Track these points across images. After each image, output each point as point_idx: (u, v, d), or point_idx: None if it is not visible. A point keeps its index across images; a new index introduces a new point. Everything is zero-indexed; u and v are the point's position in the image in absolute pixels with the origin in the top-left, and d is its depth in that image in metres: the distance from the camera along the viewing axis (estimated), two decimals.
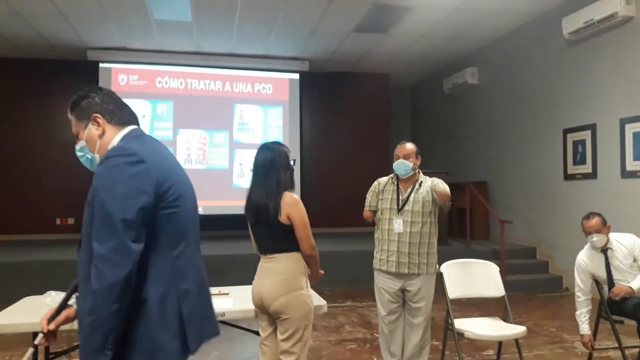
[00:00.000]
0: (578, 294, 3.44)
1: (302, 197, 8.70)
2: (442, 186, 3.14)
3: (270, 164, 2.47)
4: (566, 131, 6.38)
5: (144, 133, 1.67)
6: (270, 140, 2.67)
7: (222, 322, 2.87)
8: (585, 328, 3.40)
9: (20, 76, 8.40)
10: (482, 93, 8.29)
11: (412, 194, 3.18)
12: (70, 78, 8.43)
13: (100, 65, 8.18)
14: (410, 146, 3.28)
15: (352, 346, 4.21)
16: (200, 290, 1.62)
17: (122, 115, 1.65)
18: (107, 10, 6.42)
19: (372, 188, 3.37)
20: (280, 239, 2.43)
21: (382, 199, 3.26)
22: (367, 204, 3.35)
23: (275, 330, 2.48)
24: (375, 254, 3.29)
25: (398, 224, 3.12)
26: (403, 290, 3.15)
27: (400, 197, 3.19)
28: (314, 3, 6.28)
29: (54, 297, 2.70)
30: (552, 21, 6.45)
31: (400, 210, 3.15)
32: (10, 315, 2.53)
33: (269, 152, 2.52)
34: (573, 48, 6.23)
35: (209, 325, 1.67)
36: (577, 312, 3.45)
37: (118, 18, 6.74)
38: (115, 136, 1.62)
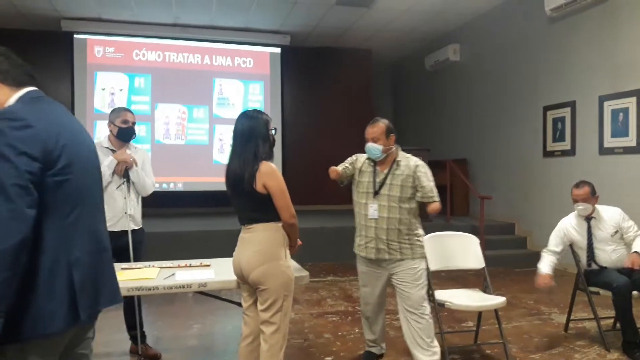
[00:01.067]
0: (544, 253, 3.54)
1: (283, 173, 8.64)
2: (433, 204, 2.99)
3: (248, 133, 2.40)
4: (546, 108, 6.42)
5: (42, 96, 1.61)
6: (251, 108, 2.58)
7: (204, 293, 2.85)
8: (544, 267, 3.49)
9: None
10: (464, 70, 8.28)
11: (389, 177, 2.99)
12: (43, 49, 8.16)
13: (75, 36, 7.93)
14: (378, 127, 3.02)
15: (333, 319, 4.22)
16: (95, 258, 1.60)
17: (17, 75, 1.58)
18: None
19: (350, 159, 3.18)
20: (258, 209, 2.39)
21: (359, 182, 3.08)
22: (341, 165, 3.15)
23: (256, 301, 2.45)
24: (355, 238, 3.16)
25: (373, 210, 2.96)
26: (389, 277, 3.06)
27: (377, 180, 3.01)
28: None
29: None
30: None
31: (376, 194, 2.98)
32: None
33: (248, 120, 2.44)
34: (554, 25, 6.23)
35: (106, 292, 1.64)
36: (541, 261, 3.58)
37: None
38: (10, 98, 1.55)
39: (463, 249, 3.42)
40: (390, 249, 2.96)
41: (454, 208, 7.51)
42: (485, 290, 3.36)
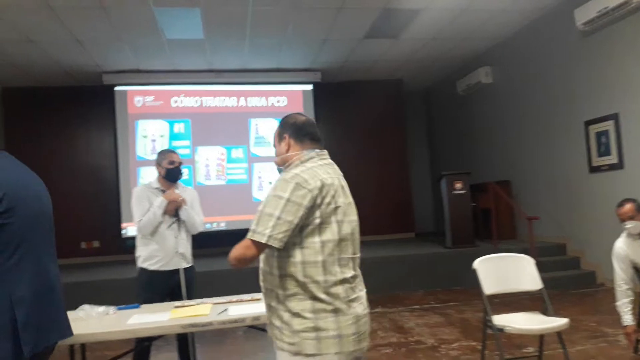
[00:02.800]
0: (619, 282, 3.33)
1: None
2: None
3: None
4: (587, 123, 6.26)
5: None
6: None
7: (257, 327, 2.83)
8: (628, 319, 3.29)
9: (38, 104, 8.54)
10: (498, 92, 8.21)
11: None
12: (87, 103, 8.63)
13: (116, 88, 8.28)
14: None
15: (386, 351, 4.12)
16: (40, 296, 1.71)
17: None
18: (120, 32, 6.52)
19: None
20: None
21: None
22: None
23: None
24: None
25: None
26: None
27: None
28: (322, 13, 6.31)
29: (87, 310, 2.69)
30: (563, 14, 6.39)
31: None
32: None
33: None
34: (588, 39, 6.14)
35: (53, 329, 1.76)
36: (618, 303, 3.34)
37: (131, 40, 6.83)
38: None
39: (517, 271, 3.31)
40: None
41: (499, 232, 7.31)
42: (545, 312, 3.23)
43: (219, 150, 8.51)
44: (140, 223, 3.20)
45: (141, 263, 3.27)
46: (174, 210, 3.26)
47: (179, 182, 3.43)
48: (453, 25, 6.97)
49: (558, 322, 3.02)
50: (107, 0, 5.58)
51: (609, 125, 5.94)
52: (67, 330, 1.84)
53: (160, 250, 3.23)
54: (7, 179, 1.72)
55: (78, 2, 5.55)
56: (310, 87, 8.95)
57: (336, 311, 1.69)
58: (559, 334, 3.10)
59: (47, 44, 6.72)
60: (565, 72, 6.61)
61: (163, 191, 3.30)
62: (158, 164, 3.35)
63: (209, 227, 7.96)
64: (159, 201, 3.21)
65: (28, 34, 6.32)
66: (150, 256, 3.24)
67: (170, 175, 3.33)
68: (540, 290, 3.26)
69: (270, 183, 8.46)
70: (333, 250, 1.73)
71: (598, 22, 5.75)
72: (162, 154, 3.38)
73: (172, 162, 3.32)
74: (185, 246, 3.33)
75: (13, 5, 5.53)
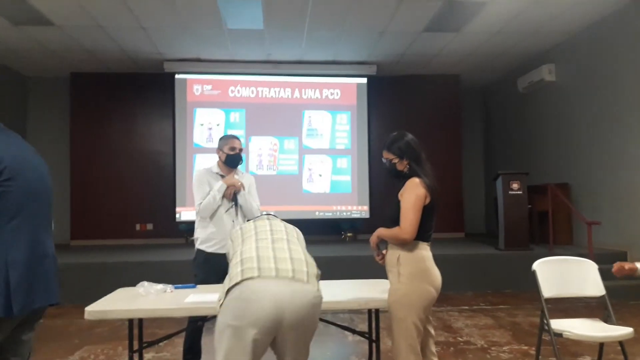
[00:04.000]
0: None
1: (371, 204, 8.56)
2: None
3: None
4: None
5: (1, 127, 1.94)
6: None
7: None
8: None
9: (104, 89, 8.91)
10: (561, 90, 7.88)
11: None
12: (149, 89, 8.91)
13: (176, 76, 8.52)
14: None
15: (436, 349, 4.05)
16: (33, 262, 1.87)
17: None
18: (183, 21, 6.69)
19: None
20: None
21: None
22: None
23: None
24: None
25: None
26: None
27: None
28: (383, 4, 6.24)
29: (146, 287, 2.78)
30: (635, 11, 6.05)
31: None
32: (108, 302, 2.62)
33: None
34: None
35: (42, 293, 1.91)
36: None
37: (193, 29, 6.99)
38: None
39: (579, 275, 3.17)
40: None
41: (555, 236, 7.04)
42: (606, 320, 3.08)
43: (271, 140, 8.61)
44: (201, 206, 3.28)
45: (199, 245, 3.35)
46: (232, 195, 3.32)
47: (238, 167, 3.49)
48: (519, 20, 6.74)
49: (622, 330, 2.88)
50: None
51: None
52: (52, 297, 1.97)
53: (217, 233, 3.30)
54: (9, 153, 1.87)
55: None
56: (364, 80, 8.89)
57: None
58: (621, 344, 2.96)
59: (114, 30, 6.98)
60: (634, 72, 6.26)
61: (223, 176, 3.37)
62: (219, 149, 3.43)
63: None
64: (219, 185, 3.29)
65: (97, 19, 6.58)
66: (208, 238, 3.31)
67: (231, 161, 3.40)
68: (602, 297, 3.11)
69: (321, 175, 8.58)
70: None
71: None
72: (224, 139, 3.45)
73: (233, 149, 3.39)
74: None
75: None
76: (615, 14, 6.55)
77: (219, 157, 3.44)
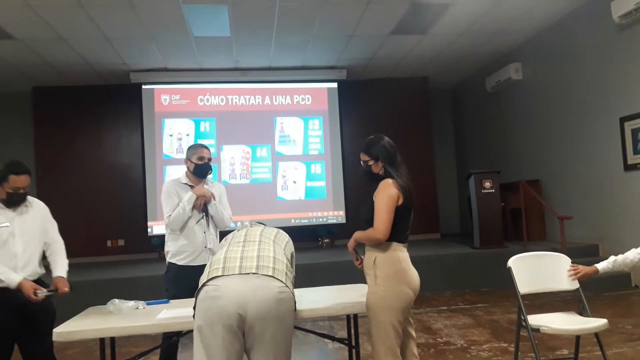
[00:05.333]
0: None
1: (347, 208, 8.52)
2: None
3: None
4: (623, 119, 6.06)
5: None
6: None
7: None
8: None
9: (68, 103, 8.69)
10: (528, 88, 8.03)
11: None
12: (115, 101, 8.75)
13: (143, 87, 8.36)
14: None
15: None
16: None
17: None
18: (148, 30, 6.57)
19: None
20: None
21: None
22: None
23: None
24: None
25: None
26: None
27: None
28: (350, 7, 6.24)
29: (117, 305, 2.68)
30: (599, 7, 6.20)
31: None
32: (77, 323, 2.52)
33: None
34: (624, 32, 5.94)
35: None
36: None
37: (159, 38, 6.88)
38: None
39: (554, 270, 3.19)
40: None
41: (528, 232, 7.13)
42: (582, 313, 3.11)
43: (243, 148, 8.52)
44: (170, 218, 3.19)
45: (170, 258, 3.26)
46: (202, 205, 3.24)
47: (208, 177, 3.41)
48: (484, 20, 6.84)
49: (596, 322, 2.90)
50: None
51: None
52: None
53: (188, 245, 3.22)
54: None
55: (108, 0, 5.61)
56: (335, 85, 8.89)
57: None
58: (597, 336, 2.98)
59: (77, 42, 6.82)
60: (599, 67, 6.41)
61: (192, 186, 3.28)
62: (188, 158, 3.33)
63: (232, 226, 7.94)
64: (188, 196, 3.20)
65: (59, 31, 6.41)
66: (179, 251, 3.23)
67: (199, 171, 3.31)
68: (576, 290, 3.14)
69: (295, 182, 8.53)
70: None
71: (636, 14, 5.56)
72: (193, 148, 3.36)
73: (201, 158, 3.29)
74: (214, 242, 3.31)
75: (46, 4, 5.62)
76: (576, 11, 6.70)
77: (187, 167, 3.34)
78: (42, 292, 2.71)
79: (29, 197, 2.92)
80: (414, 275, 2.47)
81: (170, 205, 3.22)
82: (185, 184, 3.31)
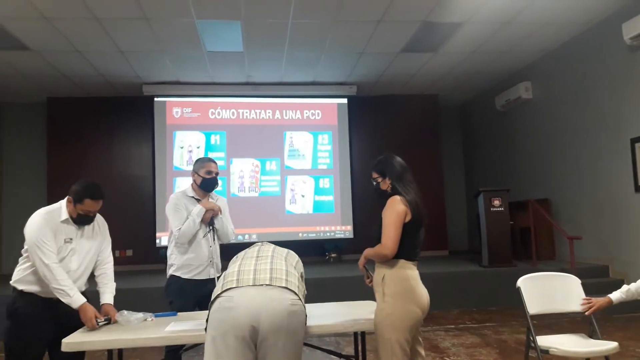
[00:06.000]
0: None
1: (355, 224, 8.50)
2: None
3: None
4: (634, 140, 6.04)
5: None
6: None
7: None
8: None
9: (81, 114, 8.80)
10: (538, 108, 8.03)
11: None
12: (128, 113, 8.85)
13: (155, 99, 8.45)
14: None
15: None
16: None
17: None
18: (162, 44, 6.66)
19: None
20: None
21: None
22: None
23: None
24: None
25: None
26: None
27: None
28: (362, 26, 6.31)
29: (126, 316, 2.70)
30: (610, 28, 6.22)
31: None
32: (86, 334, 2.53)
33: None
34: (636, 53, 5.95)
35: None
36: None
37: (172, 51, 6.98)
38: None
39: (563, 291, 3.17)
40: None
41: (537, 252, 7.09)
42: (592, 335, 3.08)
43: (253, 162, 8.57)
44: (180, 231, 3.19)
45: (174, 271, 3.26)
46: (209, 219, 3.26)
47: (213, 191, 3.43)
48: (494, 39, 6.87)
49: (607, 345, 2.87)
50: (151, 12, 5.72)
51: None
52: None
53: (195, 259, 3.23)
54: None
55: (123, 13, 5.71)
56: (345, 100, 8.94)
57: None
58: (607, 359, 2.95)
59: (92, 54, 6.92)
60: (610, 88, 6.41)
61: (198, 200, 3.30)
62: (195, 171, 3.34)
63: (240, 238, 7.98)
64: (198, 209, 3.22)
65: (75, 44, 6.52)
66: (185, 265, 3.23)
67: (206, 184, 3.33)
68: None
69: (303, 196, 8.54)
70: None
71: None
72: (200, 162, 3.38)
73: (209, 172, 3.32)
74: (218, 256, 3.33)
75: (62, 17, 5.73)
76: (587, 32, 6.72)
77: (194, 180, 3.35)
78: (101, 322, 2.66)
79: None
80: (423, 294, 2.46)
81: (179, 219, 3.22)
82: (192, 197, 3.33)
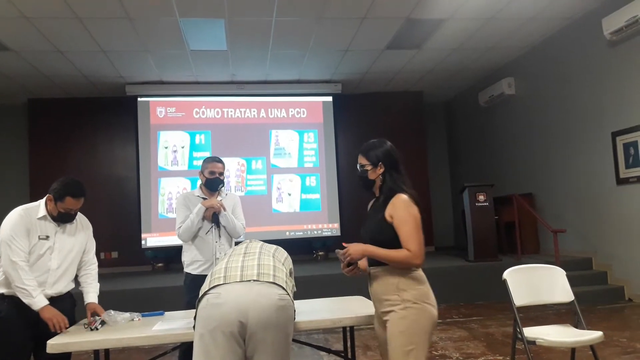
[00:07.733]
0: None
1: (342, 221, 8.50)
2: None
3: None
4: (615, 134, 6.14)
5: None
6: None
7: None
8: None
9: (64, 114, 8.68)
10: (521, 103, 8.11)
11: None
12: (111, 113, 8.76)
13: (139, 99, 8.38)
14: None
15: None
16: None
17: None
18: (145, 43, 6.60)
19: None
20: None
21: None
22: None
23: None
24: None
25: None
26: None
27: None
28: (346, 23, 6.32)
29: (112, 316, 2.67)
30: (590, 23, 6.31)
31: None
32: (71, 334, 2.50)
33: None
34: (616, 48, 6.04)
35: None
36: None
37: (155, 51, 6.92)
38: None
39: (549, 282, 3.21)
40: None
41: (523, 245, 7.17)
42: (577, 325, 3.12)
43: (238, 161, 8.54)
44: (180, 230, 3.34)
45: (186, 268, 3.39)
46: (211, 216, 3.32)
47: (223, 188, 3.50)
48: (477, 36, 6.93)
49: (592, 335, 2.91)
50: (134, 11, 5.66)
51: (637, 136, 5.82)
52: None
53: (200, 255, 3.34)
54: None
55: (105, 12, 5.64)
56: (330, 98, 8.95)
57: None
58: (592, 348, 2.99)
59: (73, 54, 6.84)
60: (591, 83, 6.51)
61: (204, 199, 3.39)
62: (201, 172, 3.44)
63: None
64: (197, 208, 3.31)
65: (56, 44, 6.44)
66: (193, 261, 3.35)
67: (210, 184, 3.41)
68: (571, 302, 3.16)
69: (290, 194, 8.54)
70: None
71: (626, 31, 5.66)
72: (205, 162, 3.46)
73: (212, 173, 3.39)
74: (226, 252, 3.33)
75: (43, 16, 5.65)
76: (568, 28, 6.81)
77: (200, 180, 3.46)
78: (97, 322, 2.61)
79: (78, 214, 2.87)
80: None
81: (181, 218, 3.36)
82: (198, 196, 3.43)
